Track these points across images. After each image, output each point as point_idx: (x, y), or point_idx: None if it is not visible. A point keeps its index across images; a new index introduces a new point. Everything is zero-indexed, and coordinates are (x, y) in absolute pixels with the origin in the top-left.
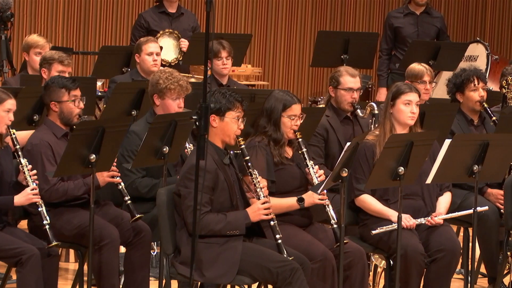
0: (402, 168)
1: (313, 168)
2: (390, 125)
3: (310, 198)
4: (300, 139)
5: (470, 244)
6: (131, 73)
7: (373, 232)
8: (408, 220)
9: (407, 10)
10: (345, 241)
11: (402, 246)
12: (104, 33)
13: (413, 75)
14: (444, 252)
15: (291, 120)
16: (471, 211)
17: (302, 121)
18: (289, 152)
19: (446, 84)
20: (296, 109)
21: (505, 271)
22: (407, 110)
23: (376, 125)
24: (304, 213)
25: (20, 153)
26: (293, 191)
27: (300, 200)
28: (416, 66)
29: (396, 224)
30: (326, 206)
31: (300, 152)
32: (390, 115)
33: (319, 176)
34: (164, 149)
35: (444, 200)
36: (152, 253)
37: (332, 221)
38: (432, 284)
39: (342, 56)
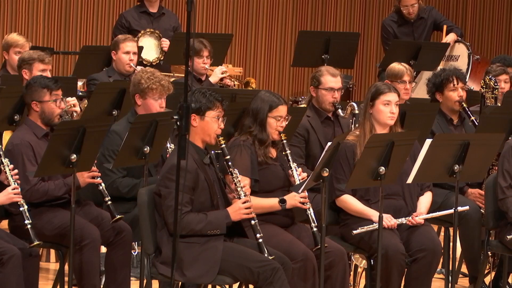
0: (383, 168)
1: (296, 170)
2: (370, 125)
3: (292, 200)
4: (284, 141)
5: (451, 244)
6: (107, 71)
7: (354, 232)
8: (389, 220)
9: (401, 20)
10: (326, 246)
11: (383, 246)
12: (85, 33)
13: (393, 74)
14: (425, 252)
15: (277, 121)
16: (452, 210)
17: (287, 122)
18: (273, 152)
19: (426, 84)
20: (282, 110)
21: (486, 271)
22: (387, 110)
23: (357, 126)
24: (286, 213)
25: (1, 152)
26: (276, 190)
27: (282, 202)
28: (396, 66)
29: (377, 224)
30: (307, 210)
31: (284, 153)
32: (369, 116)
33: (302, 179)
34: (145, 149)
35: (425, 200)
36: (133, 253)
37: (312, 224)
38: (413, 284)
39: (323, 56)
